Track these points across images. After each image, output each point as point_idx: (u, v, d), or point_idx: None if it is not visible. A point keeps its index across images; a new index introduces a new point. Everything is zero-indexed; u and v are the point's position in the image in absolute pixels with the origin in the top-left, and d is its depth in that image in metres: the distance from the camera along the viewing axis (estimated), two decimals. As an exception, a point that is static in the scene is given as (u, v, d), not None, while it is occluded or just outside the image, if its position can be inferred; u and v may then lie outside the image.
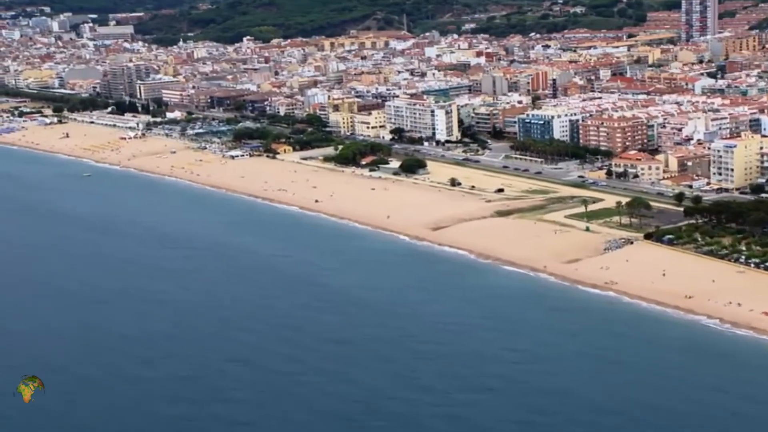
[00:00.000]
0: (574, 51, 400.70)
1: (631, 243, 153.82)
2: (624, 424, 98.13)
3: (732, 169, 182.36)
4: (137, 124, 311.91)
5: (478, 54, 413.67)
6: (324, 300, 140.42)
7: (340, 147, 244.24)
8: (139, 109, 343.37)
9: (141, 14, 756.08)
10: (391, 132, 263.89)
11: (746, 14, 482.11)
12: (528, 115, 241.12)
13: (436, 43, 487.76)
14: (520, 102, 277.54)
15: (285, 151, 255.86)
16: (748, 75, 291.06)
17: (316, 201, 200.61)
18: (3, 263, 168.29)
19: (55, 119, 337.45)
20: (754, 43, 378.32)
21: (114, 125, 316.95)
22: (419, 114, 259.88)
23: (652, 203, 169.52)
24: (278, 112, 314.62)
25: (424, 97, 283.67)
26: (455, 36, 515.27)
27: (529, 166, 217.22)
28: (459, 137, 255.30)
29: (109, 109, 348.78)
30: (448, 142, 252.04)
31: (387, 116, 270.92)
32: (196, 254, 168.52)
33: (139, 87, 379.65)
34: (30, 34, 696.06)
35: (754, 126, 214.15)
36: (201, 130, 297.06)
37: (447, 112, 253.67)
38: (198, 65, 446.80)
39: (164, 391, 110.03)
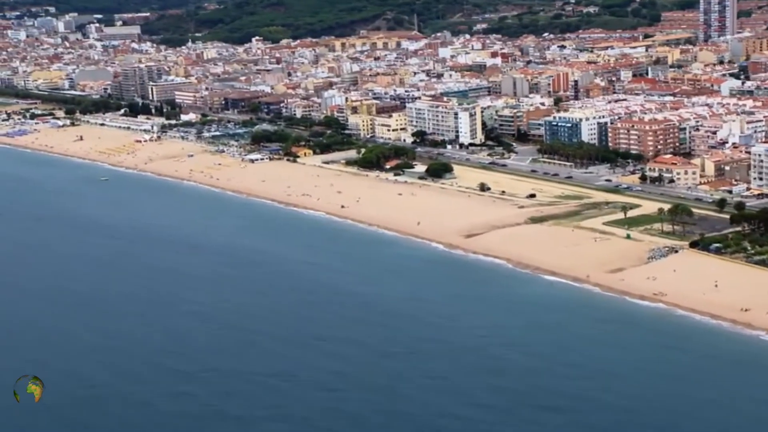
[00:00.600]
0: (591, 51, 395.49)
1: (676, 251, 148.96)
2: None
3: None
4: (151, 126, 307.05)
5: (493, 55, 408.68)
6: (363, 310, 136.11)
7: (363, 150, 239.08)
8: (153, 111, 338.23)
9: (147, 14, 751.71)
10: (413, 135, 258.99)
11: (762, 14, 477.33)
12: (555, 117, 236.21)
13: (449, 43, 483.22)
14: (542, 104, 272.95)
15: (305, 154, 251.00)
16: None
17: (342, 206, 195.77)
18: (38, 274, 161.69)
19: (68, 121, 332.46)
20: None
21: (128, 128, 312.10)
22: (442, 116, 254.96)
23: (692, 209, 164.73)
24: (294, 114, 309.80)
25: (445, 98, 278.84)
26: (467, 36, 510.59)
27: (558, 171, 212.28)
28: (482, 140, 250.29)
29: (122, 111, 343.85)
30: (472, 145, 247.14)
31: (408, 119, 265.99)
32: (226, 261, 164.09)
33: (151, 88, 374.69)
34: (36, 34, 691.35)
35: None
36: (217, 133, 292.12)
37: (471, 115, 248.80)
38: (209, 66, 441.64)
39: (207, 408, 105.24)
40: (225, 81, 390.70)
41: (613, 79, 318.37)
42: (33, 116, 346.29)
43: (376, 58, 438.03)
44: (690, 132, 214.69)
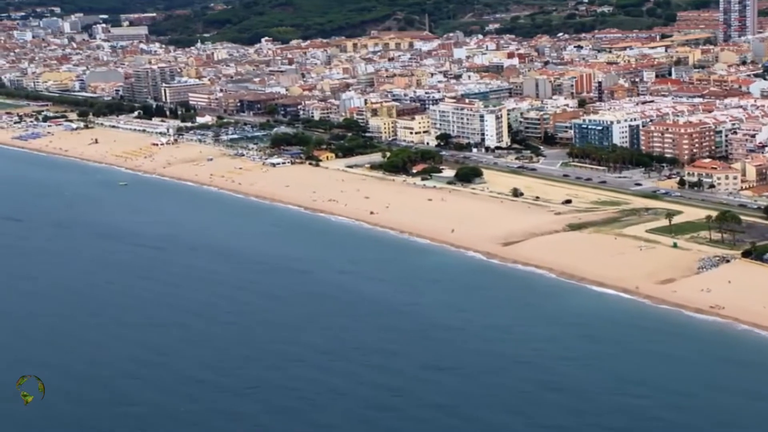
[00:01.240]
0: (610, 52, 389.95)
1: (728, 261, 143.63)
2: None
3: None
4: (167, 129, 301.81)
5: (510, 55, 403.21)
6: (405, 321, 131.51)
7: (388, 154, 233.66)
8: (167, 113, 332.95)
9: (153, 15, 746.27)
10: (437, 138, 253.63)
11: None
12: (584, 120, 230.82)
13: (462, 43, 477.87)
14: (566, 105, 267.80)
15: (327, 158, 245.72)
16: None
17: (372, 213, 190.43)
18: (70, 284, 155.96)
19: (81, 124, 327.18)
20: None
21: (143, 130, 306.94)
22: (467, 119, 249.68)
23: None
24: (312, 117, 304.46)
25: (466, 100, 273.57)
26: (480, 36, 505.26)
27: (591, 175, 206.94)
28: (508, 143, 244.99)
29: (136, 113, 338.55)
30: (498, 148, 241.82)
31: (431, 121, 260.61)
32: (259, 269, 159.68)
33: (165, 90, 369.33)
34: (42, 35, 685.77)
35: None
36: (235, 136, 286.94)
37: (497, 117, 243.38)
38: (221, 67, 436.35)
39: (259, 430, 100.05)
40: (238, 82, 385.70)
41: (636, 80, 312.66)
42: (46, 119, 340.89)
43: (390, 59, 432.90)
44: (726, 135, 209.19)
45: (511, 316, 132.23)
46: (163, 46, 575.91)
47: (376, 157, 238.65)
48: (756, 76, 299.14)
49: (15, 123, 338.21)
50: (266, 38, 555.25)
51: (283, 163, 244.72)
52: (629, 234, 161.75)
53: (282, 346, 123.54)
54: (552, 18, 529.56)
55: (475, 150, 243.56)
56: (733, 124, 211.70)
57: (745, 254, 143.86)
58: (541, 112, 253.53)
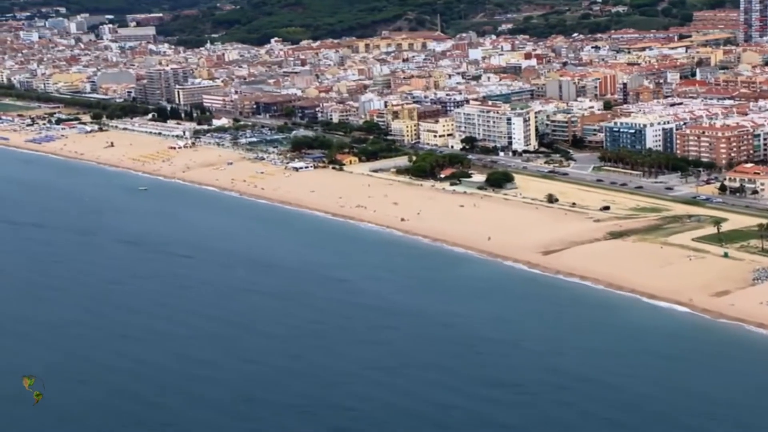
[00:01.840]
0: (629, 52, 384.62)
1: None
2: None
3: None
4: (183, 132, 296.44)
5: (527, 56, 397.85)
6: (450, 335, 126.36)
7: (414, 158, 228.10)
8: (182, 115, 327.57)
9: (160, 15, 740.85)
10: (462, 141, 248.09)
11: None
12: (616, 123, 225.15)
13: (476, 44, 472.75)
14: (591, 107, 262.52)
15: (350, 162, 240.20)
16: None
17: (402, 219, 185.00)
18: (106, 296, 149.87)
19: (96, 126, 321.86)
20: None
21: (159, 133, 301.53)
22: (494, 122, 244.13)
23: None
24: (331, 119, 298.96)
25: (489, 102, 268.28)
26: (493, 37, 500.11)
27: (626, 180, 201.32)
28: (536, 147, 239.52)
29: (150, 115, 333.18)
30: (525, 152, 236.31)
31: (456, 124, 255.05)
32: (293, 277, 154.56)
33: (178, 92, 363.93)
34: (48, 35, 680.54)
35: None
36: (254, 139, 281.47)
37: (525, 120, 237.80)
38: (233, 68, 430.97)
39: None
40: (252, 84, 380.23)
41: (660, 81, 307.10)
42: (59, 121, 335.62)
43: (405, 60, 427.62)
44: (765, 139, 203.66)
45: (563, 329, 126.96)
46: (172, 46, 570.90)
47: (401, 161, 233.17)
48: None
49: (27, 125, 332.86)
50: (276, 39, 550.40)
51: (306, 167, 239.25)
52: (675, 243, 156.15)
53: (330, 360, 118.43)
54: (566, 18, 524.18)
55: (501, 154, 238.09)
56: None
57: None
58: (569, 115, 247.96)
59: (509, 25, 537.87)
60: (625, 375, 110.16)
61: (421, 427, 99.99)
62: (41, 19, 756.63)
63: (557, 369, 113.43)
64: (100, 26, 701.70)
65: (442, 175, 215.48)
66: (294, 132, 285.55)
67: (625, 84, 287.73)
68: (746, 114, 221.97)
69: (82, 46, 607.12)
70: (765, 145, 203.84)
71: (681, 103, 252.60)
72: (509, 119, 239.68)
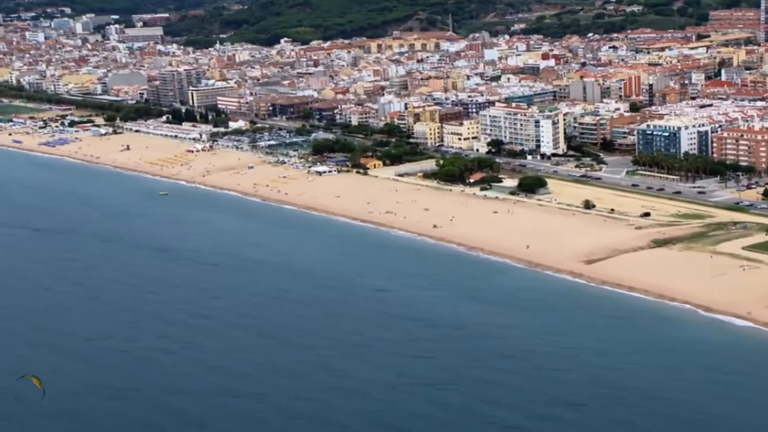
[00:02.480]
0: (648, 53, 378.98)
1: None
2: None
3: None
4: (200, 134, 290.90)
5: (544, 56, 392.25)
6: (508, 349, 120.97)
7: (442, 162, 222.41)
8: (197, 117, 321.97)
9: (167, 15, 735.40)
10: (489, 144, 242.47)
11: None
12: (649, 125, 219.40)
13: (489, 44, 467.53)
14: (617, 109, 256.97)
15: (374, 166, 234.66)
16: None
17: (435, 226, 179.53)
18: (142, 307, 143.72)
19: (110, 129, 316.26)
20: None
21: (175, 136, 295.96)
22: (521, 124, 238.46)
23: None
24: (350, 121, 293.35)
25: (512, 104, 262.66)
26: (507, 37, 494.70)
27: (663, 185, 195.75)
28: (565, 150, 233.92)
29: (164, 117, 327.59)
30: (554, 155, 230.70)
31: (482, 126, 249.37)
32: (328, 285, 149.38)
33: (192, 94, 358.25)
34: (54, 36, 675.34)
35: None
36: (273, 142, 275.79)
37: (553, 123, 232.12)
38: (245, 69, 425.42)
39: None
40: (266, 85, 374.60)
41: (685, 82, 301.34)
42: (72, 124, 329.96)
43: (419, 60, 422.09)
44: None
45: (616, 342, 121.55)
46: (181, 47, 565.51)
47: (428, 165, 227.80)
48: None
49: (40, 128, 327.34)
50: (285, 39, 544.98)
51: (329, 171, 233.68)
52: (725, 251, 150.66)
53: (375, 375, 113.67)
54: (579, 18, 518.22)
55: (529, 157, 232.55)
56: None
57: None
58: (597, 117, 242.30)
59: (522, 25, 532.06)
60: (692, 392, 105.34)
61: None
62: (46, 19, 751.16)
63: (618, 385, 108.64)
64: (107, 26, 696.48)
65: (472, 180, 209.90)
66: (313, 135, 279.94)
67: (650, 85, 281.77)
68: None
69: (90, 46, 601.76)
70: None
71: (711, 105, 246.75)
72: (537, 122, 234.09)
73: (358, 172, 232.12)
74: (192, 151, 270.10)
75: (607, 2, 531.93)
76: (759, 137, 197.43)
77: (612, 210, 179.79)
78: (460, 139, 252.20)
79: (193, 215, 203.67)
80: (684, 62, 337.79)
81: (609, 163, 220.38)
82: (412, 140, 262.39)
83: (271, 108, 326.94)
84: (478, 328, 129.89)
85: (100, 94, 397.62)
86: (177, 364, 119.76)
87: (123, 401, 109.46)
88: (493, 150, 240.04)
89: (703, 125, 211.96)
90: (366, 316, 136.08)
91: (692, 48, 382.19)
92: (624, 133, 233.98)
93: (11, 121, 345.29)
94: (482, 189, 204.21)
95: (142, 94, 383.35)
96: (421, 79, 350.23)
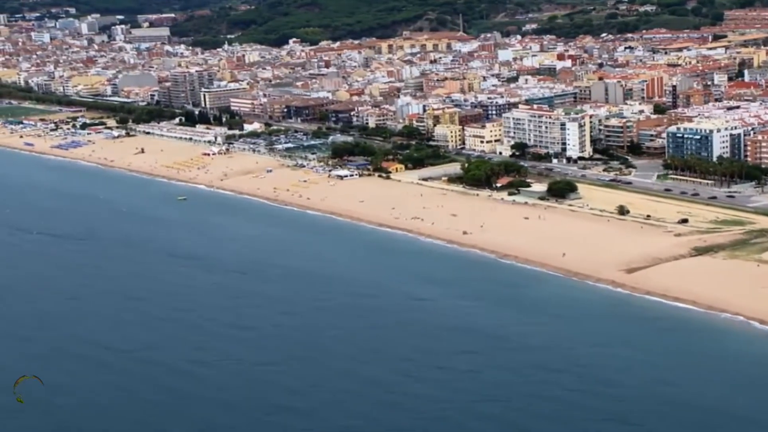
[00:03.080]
0: (666, 53, 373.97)
1: None
2: None
3: None
4: (215, 137, 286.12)
5: (560, 57, 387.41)
6: (558, 362, 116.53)
7: (467, 166, 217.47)
8: (211, 120, 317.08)
9: (172, 15, 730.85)
10: (512, 147, 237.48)
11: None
12: (679, 128, 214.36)
13: (501, 44, 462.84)
14: (641, 111, 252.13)
15: (397, 169, 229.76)
16: None
17: (465, 233, 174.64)
18: (179, 320, 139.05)
19: (123, 131, 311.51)
20: None
21: (190, 139, 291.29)
22: (546, 127, 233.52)
23: None
24: (367, 124, 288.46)
25: (534, 106, 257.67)
26: (518, 37, 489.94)
27: (698, 190, 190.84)
28: (591, 153, 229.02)
29: (177, 119, 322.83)
30: (581, 159, 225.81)
31: (505, 129, 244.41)
32: (371, 296, 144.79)
33: (204, 95, 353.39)
34: (59, 36, 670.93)
35: None
36: (290, 145, 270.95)
37: (580, 125, 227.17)
38: (256, 70, 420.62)
39: None
40: (278, 86, 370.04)
41: (708, 83, 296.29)
42: (84, 126, 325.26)
43: (432, 61, 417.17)
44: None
45: (671, 356, 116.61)
46: (189, 47, 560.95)
47: (451, 169, 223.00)
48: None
49: (51, 130, 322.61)
50: (294, 39, 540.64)
51: (351, 175, 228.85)
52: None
53: (432, 391, 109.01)
54: (592, 18, 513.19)
55: (555, 161, 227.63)
56: None
57: None
58: (624, 119, 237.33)
59: (533, 25, 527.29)
60: (762, 411, 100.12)
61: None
62: (51, 19, 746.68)
63: (676, 401, 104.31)
64: (112, 27, 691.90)
65: (499, 185, 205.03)
66: (331, 137, 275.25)
67: (674, 87, 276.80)
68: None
69: (96, 47, 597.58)
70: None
71: (738, 107, 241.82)
72: (563, 124, 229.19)
73: (380, 176, 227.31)
74: (208, 154, 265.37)
75: (620, 2, 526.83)
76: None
77: (648, 216, 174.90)
78: (482, 141, 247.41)
79: (215, 220, 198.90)
80: (704, 63, 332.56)
81: (638, 167, 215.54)
82: (432, 143, 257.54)
83: (285, 110, 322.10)
84: (522, 339, 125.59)
85: (110, 96, 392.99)
86: (217, 378, 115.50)
87: (162, 416, 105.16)
88: (517, 153, 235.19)
89: (735, 128, 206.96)
90: (409, 327, 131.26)
91: (710, 48, 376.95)
92: (651, 135, 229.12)
93: (22, 123, 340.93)
94: (510, 194, 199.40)
95: (153, 95, 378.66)
96: (437, 80, 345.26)
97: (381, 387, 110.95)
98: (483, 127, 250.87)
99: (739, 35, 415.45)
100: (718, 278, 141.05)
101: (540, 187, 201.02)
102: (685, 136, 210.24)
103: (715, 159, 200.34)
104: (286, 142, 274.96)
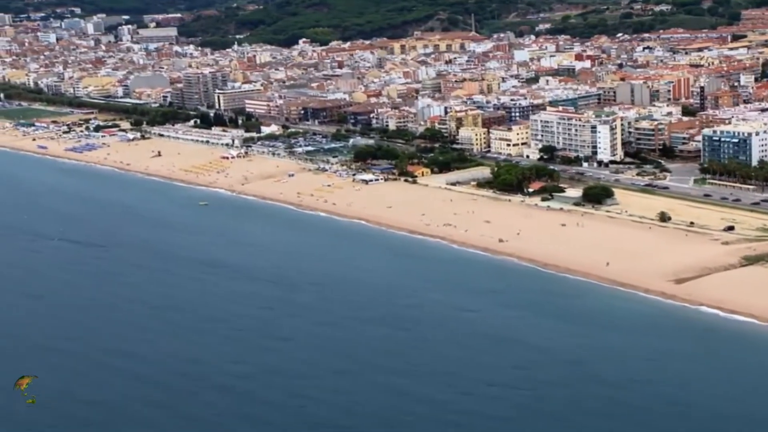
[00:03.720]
0: (686, 53, 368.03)
1: None
2: None
3: None
4: (232, 140, 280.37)
5: (578, 57, 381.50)
6: (611, 375, 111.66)
7: (497, 170, 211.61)
8: (227, 122, 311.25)
9: (179, 15, 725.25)
10: (541, 151, 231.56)
11: None
12: (716, 131, 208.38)
13: (516, 45, 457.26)
14: (670, 113, 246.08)
15: (423, 174, 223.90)
16: None
17: (500, 240, 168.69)
18: (219, 331, 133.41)
19: (138, 134, 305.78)
20: None
21: (207, 141, 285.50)
22: (576, 130, 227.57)
23: None
24: (387, 126, 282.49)
25: (559, 108, 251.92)
26: (532, 37, 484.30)
27: (739, 195, 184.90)
28: (622, 157, 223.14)
29: (192, 122, 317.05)
30: (612, 162, 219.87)
31: (532, 132, 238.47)
32: (412, 306, 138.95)
33: (218, 97, 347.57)
34: (65, 36, 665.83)
35: None
36: (310, 148, 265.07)
37: (611, 128, 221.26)
38: (269, 71, 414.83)
39: None
40: (293, 88, 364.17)
41: (735, 84, 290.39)
42: (98, 128, 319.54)
43: (448, 62, 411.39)
44: None
45: (734, 373, 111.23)
46: (198, 48, 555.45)
47: (480, 173, 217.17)
48: None
49: (64, 133, 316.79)
50: (303, 39, 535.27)
51: (376, 179, 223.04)
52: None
53: (488, 409, 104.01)
54: (606, 17, 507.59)
55: (585, 164, 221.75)
56: None
57: None
58: (655, 122, 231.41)
59: (547, 25, 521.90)
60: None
61: None
62: (56, 19, 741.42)
63: (749, 419, 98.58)
64: (119, 27, 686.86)
65: (531, 190, 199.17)
66: (351, 140, 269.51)
67: (702, 88, 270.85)
68: None
69: (104, 47, 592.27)
70: None
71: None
72: (594, 127, 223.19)
73: (406, 181, 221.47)
74: (227, 158, 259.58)
75: (634, 1, 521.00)
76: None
77: (691, 223, 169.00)
78: (508, 145, 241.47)
79: (239, 227, 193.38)
80: (728, 64, 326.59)
81: (672, 171, 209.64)
82: (456, 146, 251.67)
83: (302, 112, 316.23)
84: (573, 352, 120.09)
85: (122, 97, 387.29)
86: (258, 392, 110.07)
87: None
88: (545, 157, 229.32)
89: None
90: (455, 339, 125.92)
91: (731, 49, 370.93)
92: (684, 138, 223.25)
93: (33, 125, 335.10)
94: (543, 199, 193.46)
95: (166, 97, 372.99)
96: (455, 81, 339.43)
97: (436, 404, 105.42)
98: (509, 129, 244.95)
99: (759, 35, 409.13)
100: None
101: (574, 192, 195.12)
102: (722, 139, 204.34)
103: (755, 163, 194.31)
104: (305, 145, 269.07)
